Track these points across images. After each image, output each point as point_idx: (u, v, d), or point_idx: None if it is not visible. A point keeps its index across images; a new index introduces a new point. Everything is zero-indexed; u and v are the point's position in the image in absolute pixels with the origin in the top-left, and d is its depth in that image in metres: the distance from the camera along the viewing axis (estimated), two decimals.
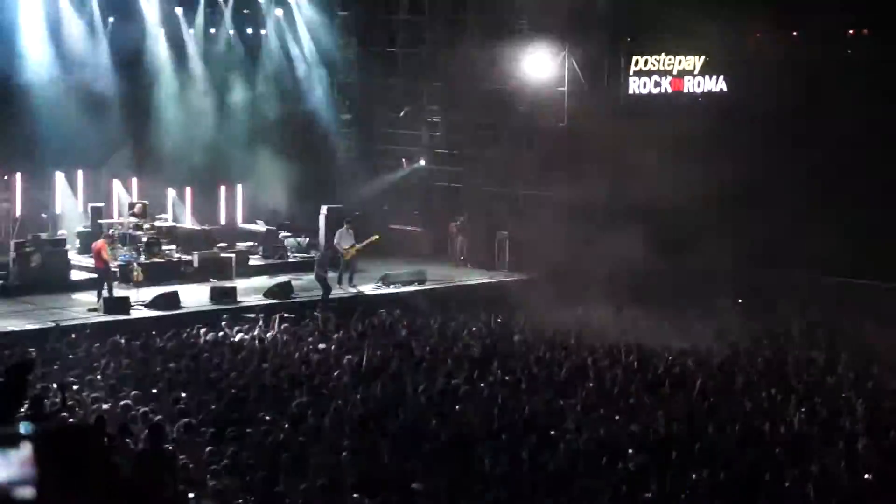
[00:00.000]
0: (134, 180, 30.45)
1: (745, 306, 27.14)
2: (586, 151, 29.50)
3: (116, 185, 30.25)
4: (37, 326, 22.95)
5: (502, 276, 29.83)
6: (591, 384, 18.61)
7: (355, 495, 12.79)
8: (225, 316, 23.45)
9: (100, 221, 28.75)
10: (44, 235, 27.65)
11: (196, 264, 27.80)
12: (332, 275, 27.19)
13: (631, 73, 31.02)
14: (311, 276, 27.18)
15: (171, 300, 24.97)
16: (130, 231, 27.98)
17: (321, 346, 21.19)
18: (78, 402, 15.91)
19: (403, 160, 33.36)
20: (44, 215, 29.17)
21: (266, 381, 17.94)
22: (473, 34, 31.58)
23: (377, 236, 28.62)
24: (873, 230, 29.07)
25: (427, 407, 16.78)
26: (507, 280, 29.37)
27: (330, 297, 26.25)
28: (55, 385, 16.49)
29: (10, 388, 11.28)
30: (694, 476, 14.05)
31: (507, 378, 18.99)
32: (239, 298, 25.87)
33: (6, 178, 28.59)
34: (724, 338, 23.05)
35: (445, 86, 32.36)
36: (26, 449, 5.34)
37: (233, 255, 28.91)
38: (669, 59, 31.54)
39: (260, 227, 31.08)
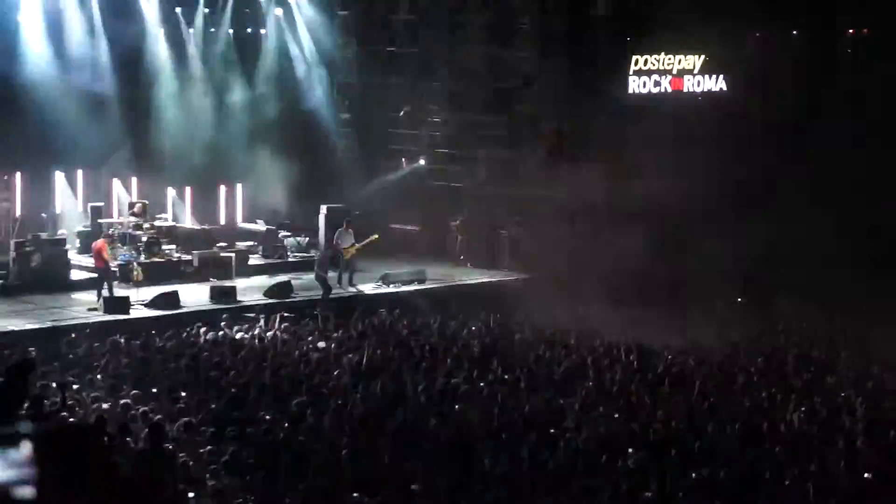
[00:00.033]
0: (134, 180, 30.43)
1: (744, 305, 27.16)
2: (586, 151, 29.50)
3: (116, 184, 30.23)
4: (37, 326, 22.95)
5: (502, 275, 29.81)
6: (590, 383, 18.62)
7: (355, 494, 12.79)
8: (225, 315, 23.45)
9: (100, 221, 28.74)
10: (44, 235, 27.64)
11: (196, 264, 27.80)
12: (332, 274, 27.18)
13: (631, 72, 31.03)
14: (311, 276, 27.19)
15: (171, 300, 24.97)
16: (130, 231, 27.98)
17: (321, 345, 21.19)
18: (78, 402, 15.92)
19: (403, 160, 33.34)
20: (44, 215, 29.14)
21: (266, 380, 17.94)
22: (473, 33, 31.56)
23: (377, 236, 28.61)
24: (873, 229, 29.09)
25: (427, 406, 16.79)
26: (507, 279, 29.36)
27: (330, 296, 26.24)
28: (55, 384, 16.50)
29: (11, 389, 11.30)
30: (694, 475, 14.06)
31: (506, 377, 19.01)
32: (239, 298, 25.86)
33: (6, 177, 28.56)
34: (723, 337, 23.07)
35: (445, 85, 32.35)
36: (26, 449, 5.34)
37: (232, 254, 28.91)
38: (669, 59, 31.54)
39: (260, 226, 31.07)
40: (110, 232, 27.53)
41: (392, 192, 32.92)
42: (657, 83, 31.38)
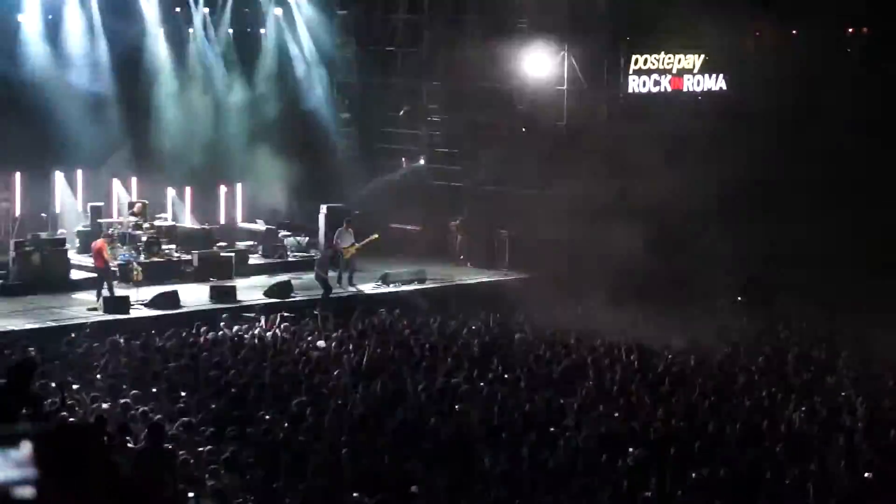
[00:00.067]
0: (133, 179, 30.43)
1: (745, 305, 27.16)
2: (586, 150, 29.49)
3: (116, 184, 30.22)
4: (36, 326, 22.95)
5: (502, 275, 29.81)
6: (590, 382, 18.62)
7: (355, 494, 12.79)
8: (224, 315, 23.45)
9: (99, 221, 28.74)
10: (43, 235, 27.65)
11: (196, 263, 27.79)
12: (332, 274, 27.18)
13: (630, 71, 31.01)
14: (311, 276, 27.18)
15: (171, 299, 24.97)
16: (130, 230, 27.98)
17: (321, 344, 21.20)
18: (77, 402, 15.91)
19: (403, 159, 33.33)
20: (43, 215, 29.15)
21: (266, 380, 17.94)
22: (473, 33, 31.56)
23: (377, 235, 28.61)
24: (873, 229, 29.09)
25: (426, 405, 16.79)
26: (507, 279, 29.36)
27: (330, 296, 26.24)
28: (54, 384, 16.50)
29: (13, 389, 11.30)
30: (694, 474, 14.06)
31: (506, 376, 19.02)
32: (238, 297, 25.85)
33: (6, 177, 28.57)
34: (724, 336, 23.07)
35: (445, 85, 32.34)
36: (26, 449, 5.34)
37: (232, 254, 28.91)
38: (669, 58, 31.52)
39: (259, 226, 31.06)
40: (110, 232, 27.53)
41: (392, 191, 32.91)
42: (657, 82, 31.36)
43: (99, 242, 25.51)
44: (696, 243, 27.52)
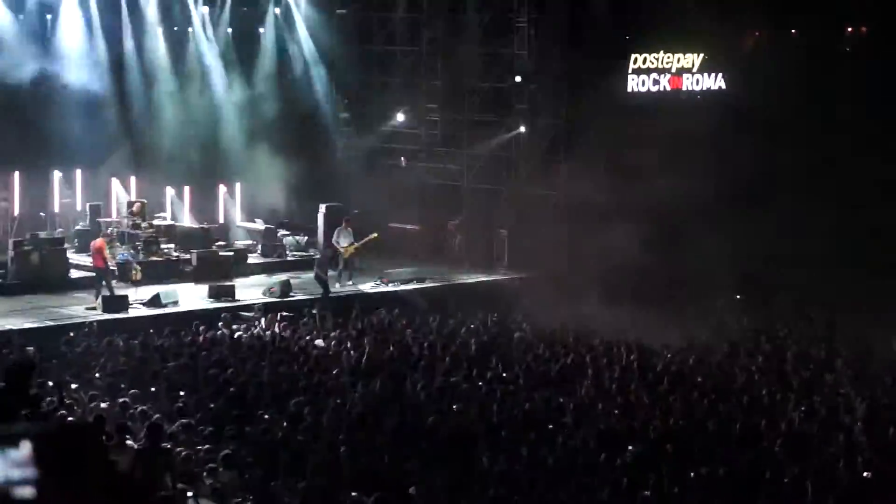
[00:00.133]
0: (132, 179, 30.43)
1: (743, 304, 27.16)
2: (585, 150, 29.50)
3: (115, 183, 30.23)
4: (35, 325, 22.95)
5: (501, 274, 29.82)
6: (589, 381, 18.62)
7: (353, 493, 12.79)
8: (223, 314, 23.45)
9: (98, 220, 28.76)
10: (42, 234, 27.64)
11: (194, 263, 27.79)
12: (331, 273, 27.18)
13: (630, 71, 31.02)
14: (310, 275, 27.19)
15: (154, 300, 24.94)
16: (129, 230, 27.98)
17: (320, 343, 21.20)
18: (76, 401, 15.91)
19: (402, 158, 33.33)
20: (42, 214, 29.14)
21: (264, 379, 17.94)
22: (472, 32, 31.55)
23: (376, 234, 28.62)
24: (872, 228, 29.09)
25: (425, 404, 16.79)
26: (506, 278, 29.36)
27: (329, 296, 26.24)
28: (53, 384, 16.50)
29: (12, 390, 11.30)
30: (693, 473, 14.06)
31: (505, 375, 19.02)
32: (237, 297, 25.85)
33: (5, 176, 28.56)
34: (723, 335, 23.07)
35: (444, 84, 32.34)
36: (25, 448, 5.34)
37: (231, 253, 28.91)
38: (668, 57, 31.53)
39: (259, 225, 31.06)
40: (109, 231, 27.53)
41: (391, 191, 32.89)
42: (656, 81, 31.37)
43: (98, 242, 25.51)
44: (694, 242, 27.51)
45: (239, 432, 14.68)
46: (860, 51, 33.13)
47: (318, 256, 27.89)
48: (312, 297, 26.03)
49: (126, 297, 24.78)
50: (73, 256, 27.68)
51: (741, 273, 28.29)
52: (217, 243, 29.23)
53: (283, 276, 27.41)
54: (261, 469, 13.41)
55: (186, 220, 30.46)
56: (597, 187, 28.82)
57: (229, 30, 32.16)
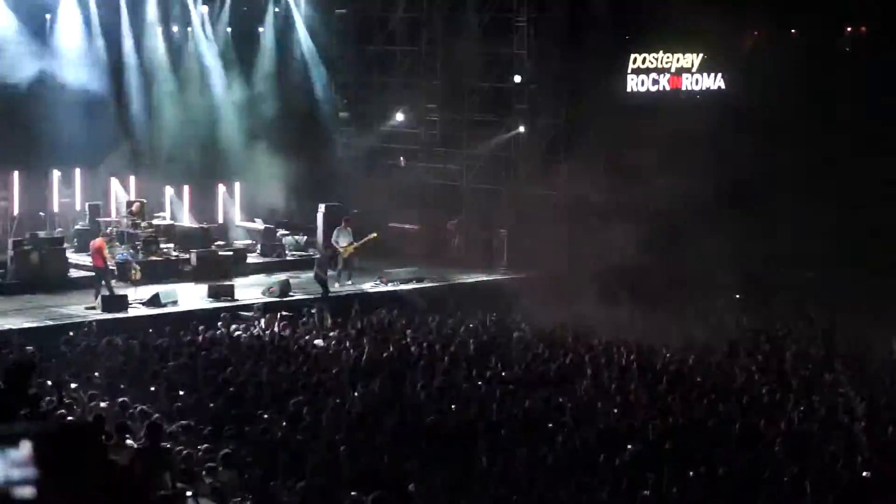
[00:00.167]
0: (132, 178, 30.44)
1: (743, 304, 27.16)
2: (585, 150, 29.50)
3: (114, 183, 30.23)
4: (35, 325, 22.95)
5: (500, 274, 29.82)
6: (588, 381, 18.63)
7: (353, 493, 12.78)
8: (223, 314, 23.45)
9: (97, 220, 28.76)
10: (42, 234, 27.64)
11: (194, 262, 27.80)
12: (330, 273, 27.18)
13: (629, 70, 31.03)
14: (310, 275, 27.19)
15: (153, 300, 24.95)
16: (128, 229, 27.98)
17: (319, 343, 21.21)
18: (75, 401, 15.91)
19: (401, 158, 33.33)
20: (41, 213, 29.14)
21: (264, 378, 17.94)
22: (471, 32, 31.55)
23: (375, 234, 28.63)
24: (872, 228, 29.10)
25: (425, 404, 16.79)
26: (505, 278, 29.36)
27: (329, 296, 26.24)
28: (52, 383, 16.49)
29: (12, 390, 11.29)
30: (692, 473, 14.06)
31: (504, 375, 19.02)
32: (237, 297, 25.85)
33: (4, 176, 28.56)
34: (722, 335, 23.07)
35: (444, 84, 32.33)
36: (25, 448, 5.34)
37: (231, 253, 28.92)
38: (668, 57, 31.55)
39: (258, 225, 31.07)
40: (108, 231, 27.53)
41: (391, 191, 32.90)
42: (656, 81, 31.38)
43: (98, 241, 25.51)
44: (694, 242, 27.50)
45: (238, 432, 14.68)
46: (860, 51, 33.15)
47: (317, 256, 27.89)
48: (312, 296, 26.03)
49: (125, 296, 24.77)
50: (73, 256, 27.68)
51: (741, 273, 28.28)
52: (216, 243, 29.24)
53: (282, 276, 27.41)
54: (260, 468, 13.41)
55: (186, 220, 30.46)
56: (596, 187, 28.83)
57: (229, 29, 32.17)
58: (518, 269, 29.62)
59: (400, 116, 33.04)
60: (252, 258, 29.66)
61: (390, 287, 27.85)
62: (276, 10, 32.82)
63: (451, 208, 31.91)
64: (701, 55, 31.97)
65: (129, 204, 29.13)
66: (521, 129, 31.03)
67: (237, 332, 22.14)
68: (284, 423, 15.24)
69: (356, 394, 17.27)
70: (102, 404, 15.62)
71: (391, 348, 20.65)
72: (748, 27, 33.25)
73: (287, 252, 30.32)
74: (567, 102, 30.41)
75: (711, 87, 32.24)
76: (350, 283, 27.84)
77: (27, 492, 5.31)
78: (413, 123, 33.05)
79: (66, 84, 28.95)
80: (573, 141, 29.98)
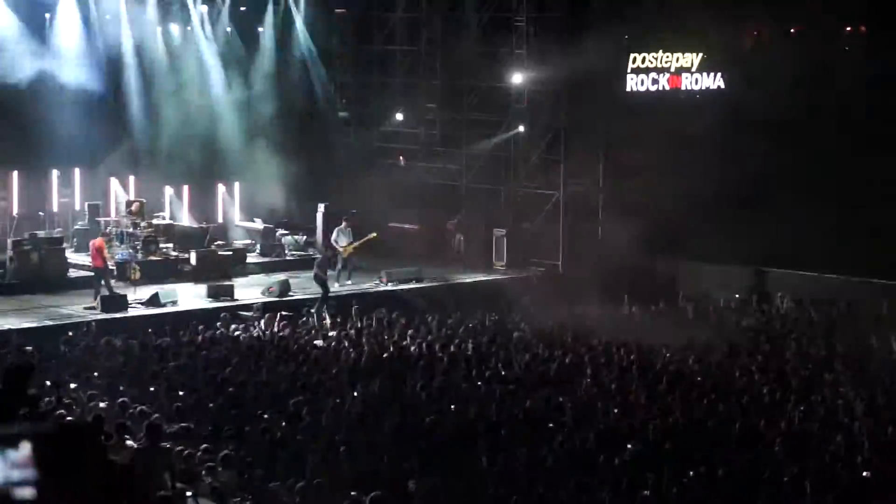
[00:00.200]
0: (131, 178, 30.43)
1: (743, 303, 27.15)
2: (584, 149, 29.49)
3: (114, 183, 30.22)
4: (34, 325, 22.94)
5: (500, 274, 29.81)
6: (588, 381, 18.62)
7: (353, 493, 12.78)
8: (222, 314, 23.44)
9: (97, 219, 28.76)
10: (41, 233, 27.63)
11: (193, 262, 27.78)
12: (330, 273, 27.17)
13: (629, 70, 31.01)
14: (310, 275, 27.17)
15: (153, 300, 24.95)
16: (128, 229, 27.97)
17: (319, 343, 21.20)
18: (75, 401, 15.90)
19: (401, 158, 33.32)
20: (41, 213, 29.13)
21: (263, 378, 17.94)
22: (471, 31, 31.54)
23: (375, 234, 28.62)
24: (872, 228, 29.09)
25: (425, 404, 16.78)
26: (505, 278, 29.35)
27: (329, 296, 26.23)
28: (51, 383, 16.48)
29: (11, 390, 11.27)
30: (692, 473, 14.05)
31: (504, 375, 19.01)
32: (236, 296, 25.84)
33: (4, 176, 28.55)
34: (722, 335, 23.06)
35: (443, 83, 32.33)
36: (25, 449, 5.33)
37: (230, 253, 28.90)
38: (667, 57, 31.53)
39: (258, 224, 31.05)
40: (108, 230, 27.51)
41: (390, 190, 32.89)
42: (655, 81, 31.36)
43: (97, 241, 25.50)
44: (694, 242, 27.50)
45: (238, 432, 14.68)
46: (860, 51, 33.13)
47: (317, 256, 27.88)
48: (311, 296, 26.01)
49: (125, 296, 24.76)
50: (72, 256, 27.67)
51: (740, 273, 28.27)
52: (216, 243, 29.22)
53: (281, 276, 27.41)
54: (260, 468, 13.40)
55: (185, 220, 30.45)
56: (596, 187, 28.82)
57: (228, 29, 32.15)
58: (517, 268, 29.61)
59: (399, 116, 33.04)
60: (251, 258, 29.64)
61: (390, 287, 27.84)
62: (276, 9, 32.79)
63: (450, 208, 31.89)
64: (701, 55, 31.96)
65: (129, 204, 29.11)
66: (521, 128, 31.02)
67: (237, 332, 22.13)
68: (284, 423, 15.24)
69: (356, 394, 17.25)
70: (102, 404, 15.61)
71: (391, 348, 20.64)
72: (748, 27, 33.25)
73: (287, 252, 30.31)
74: (566, 102, 30.39)
75: (711, 87, 32.22)
76: (350, 282, 27.85)
77: (27, 492, 5.30)
78: (412, 123, 33.04)
79: (65, 84, 28.94)
80: (573, 141, 29.98)
